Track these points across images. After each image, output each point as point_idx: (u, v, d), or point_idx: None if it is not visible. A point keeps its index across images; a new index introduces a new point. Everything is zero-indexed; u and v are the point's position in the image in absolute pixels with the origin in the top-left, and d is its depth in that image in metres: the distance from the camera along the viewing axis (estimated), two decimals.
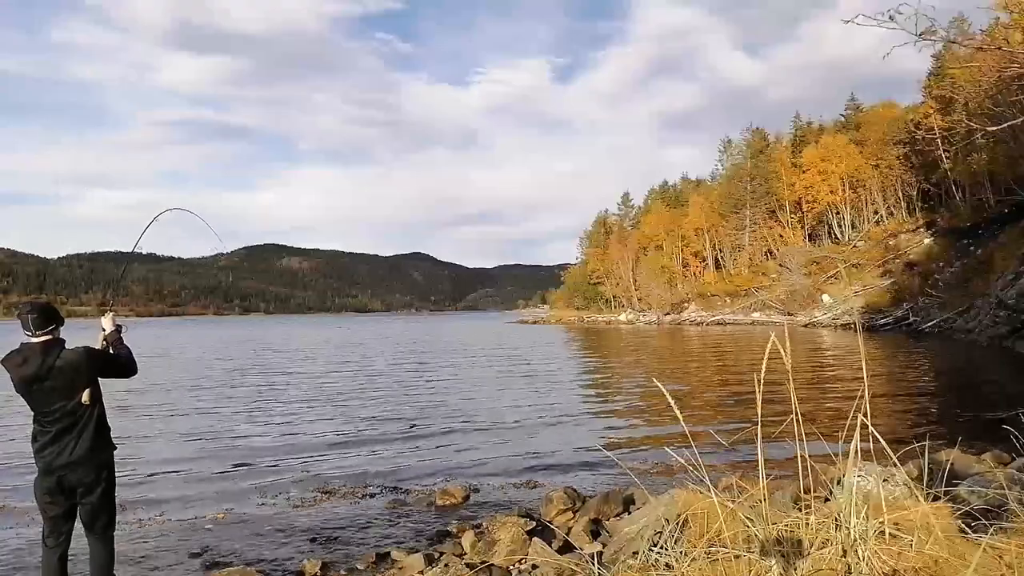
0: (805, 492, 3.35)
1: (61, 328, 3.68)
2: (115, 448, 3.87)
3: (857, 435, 2.96)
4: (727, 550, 2.87)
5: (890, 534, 2.84)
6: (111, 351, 3.96)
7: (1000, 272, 27.86)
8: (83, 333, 4.01)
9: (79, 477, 3.61)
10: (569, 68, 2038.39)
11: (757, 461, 2.93)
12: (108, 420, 3.88)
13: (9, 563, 5.44)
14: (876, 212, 60.78)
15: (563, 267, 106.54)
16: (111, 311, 4.05)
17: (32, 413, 3.64)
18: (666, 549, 3.10)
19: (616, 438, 10.47)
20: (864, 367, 3.28)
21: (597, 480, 7.81)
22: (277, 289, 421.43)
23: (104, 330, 3.99)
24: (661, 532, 3.35)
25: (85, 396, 3.64)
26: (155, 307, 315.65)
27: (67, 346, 3.68)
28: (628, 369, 22.08)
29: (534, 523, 5.66)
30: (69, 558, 3.82)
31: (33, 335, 3.53)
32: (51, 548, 3.68)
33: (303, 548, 5.75)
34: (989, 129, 7.54)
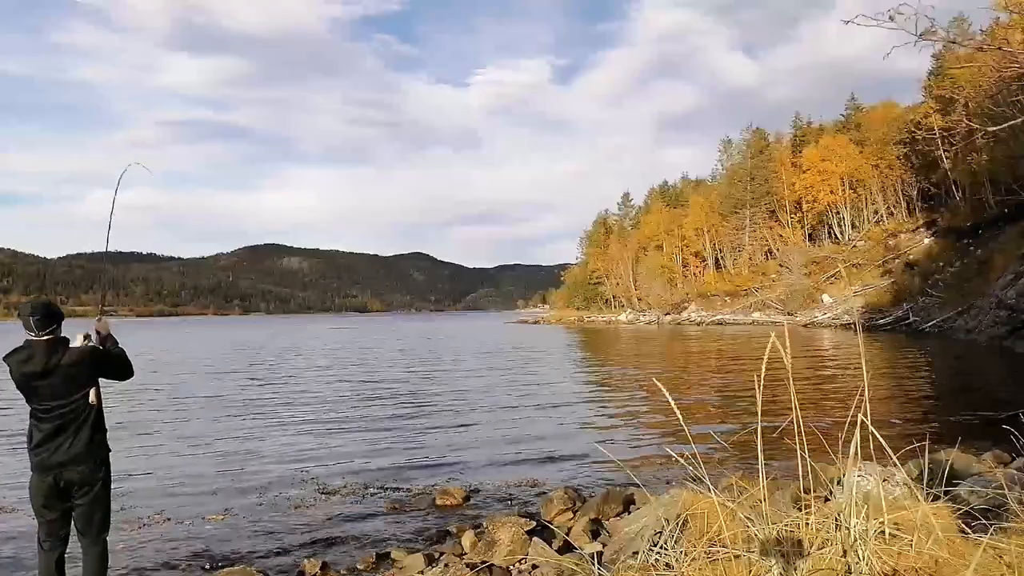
0: (805, 492, 3.35)
1: (62, 324, 3.69)
2: (110, 450, 3.87)
3: (857, 435, 2.96)
4: (727, 550, 2.87)
5: (890, 534, 2.84)
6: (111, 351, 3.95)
7: (1000, 272, 27.87)
8: (82, 331, 3.97)
9: (76, 475, 3.61)
10: (569, 69, 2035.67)
11: (757, 461, 2.93)
12: (106, 421, 3.87)
13: (8, 564, 5.44)
14: (876, 212, 60.79)
15: (563, 267, 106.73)
16: (102, 314, 4.03)
17: (30, 410, 3.64)
18: (666, 549, 3.10)
19: (616, 438, 10.47)
20: (864, 367, 3.28)
21: (597, 480, 7.81)
22: (277, 289, 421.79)
23: (99, 334, 3.95)
24: (661, 532, 3.35)
25: (92, 396, 3.66)
26: (155, 307, 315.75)
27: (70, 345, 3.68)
28: (628, 369, 22.08)
29: (534, 523, 5.66)
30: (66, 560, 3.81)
31: (37, 335, 3.55)
32: (47, 551, 3.67)
33: (303, 548, 5.75)
34: (989, 129, 7.55)
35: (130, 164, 4.98)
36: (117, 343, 3.99)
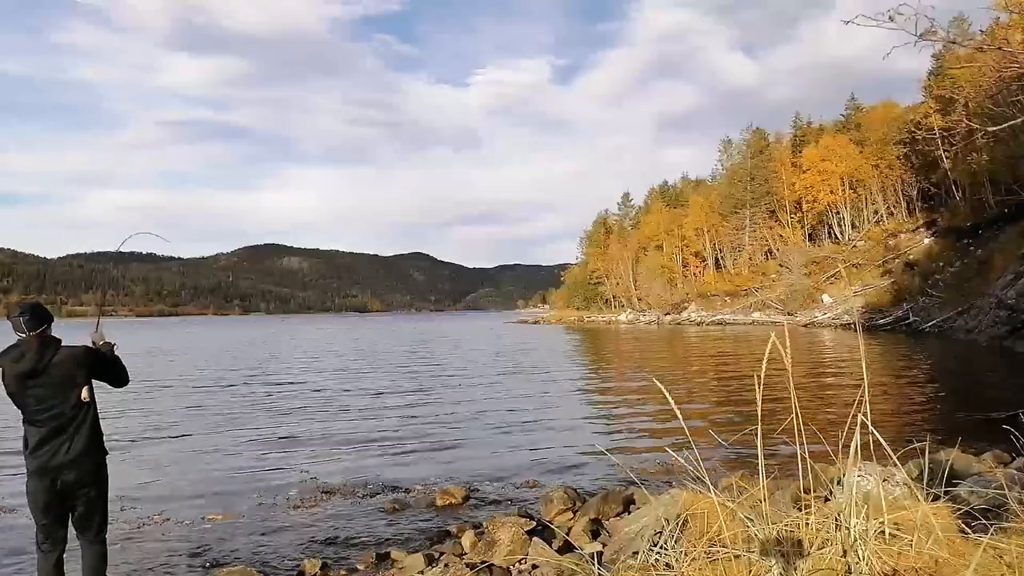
0: (805, 492, 3.35)
1: (52, 325, 3.68)
2: (107, 453, 3.86)
3: (857, 435, 2.95)
4: (727, 550, 2.87)
5: (890, 534, 2.84)
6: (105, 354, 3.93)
7: (1000, 272, 27.87)
8: (82, 332, 3.98)
9: (76, 477, 3.59)
10: (569, 69, 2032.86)
11: (757, 461, 2.93)
12: (102, 422, 3.86)
13: (8, 564, 5.44)
14: (876, 212, 60.78)
15: (563, 267, 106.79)
16: (99, 326, 4.02)
17: (23, 416, 3.60)
18: (666, 549, 3.10)
19: (616, 438, 10.47)
20: (864, 367, 3.28)
21: (597, 480, 7.81)
22: (277, 289, 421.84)
23: (95, 344, 3.93)
24: (661, 532, 3.35)
25: (84, 393, 3.63)
26: (155, 307, 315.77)
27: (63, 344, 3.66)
28: (628, 369, 22.08)
29: (534, 523, 5.66)
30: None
31: (27, 335, 3.53)
32: (46, 553, 3.66)
33: (303, 548, 5.75)
34: (989, 129, 7.55)
35: (136, 233, 4.88)
36: (115, 354, 3.97)
